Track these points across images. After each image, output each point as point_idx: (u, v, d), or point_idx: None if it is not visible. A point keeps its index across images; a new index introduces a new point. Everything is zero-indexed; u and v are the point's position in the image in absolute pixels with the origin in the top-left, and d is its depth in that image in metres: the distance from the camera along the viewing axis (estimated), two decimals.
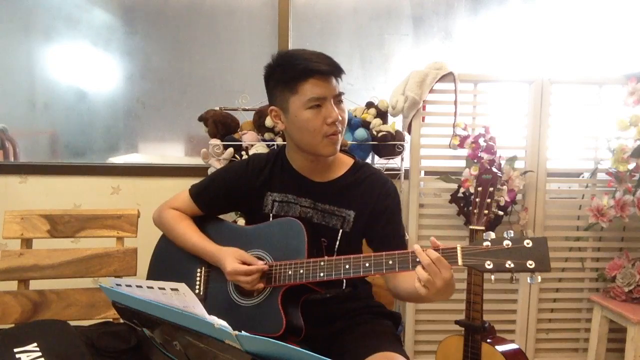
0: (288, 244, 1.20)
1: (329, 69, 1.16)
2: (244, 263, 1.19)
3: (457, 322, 1.66)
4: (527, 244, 0.97)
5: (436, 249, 1.01)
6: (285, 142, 1.34)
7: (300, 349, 0.72)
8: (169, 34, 2.32)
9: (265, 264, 1.20)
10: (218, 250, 1.25)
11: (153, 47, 2.33)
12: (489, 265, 0.98)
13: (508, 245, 0.98)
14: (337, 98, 1.20)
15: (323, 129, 1.18)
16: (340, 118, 1.19)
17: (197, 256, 1.30)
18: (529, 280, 0.98)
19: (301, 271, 1.14)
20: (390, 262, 1.07)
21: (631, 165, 1.95)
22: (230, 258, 1.20)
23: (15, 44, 2.29)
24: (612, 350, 2.14)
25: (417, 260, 1.01)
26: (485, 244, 0.99)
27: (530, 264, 0.96)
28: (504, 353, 1.55)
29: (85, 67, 2.31)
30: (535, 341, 2.18)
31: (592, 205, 2.01)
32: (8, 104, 2.32)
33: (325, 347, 1.22)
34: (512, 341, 1.67)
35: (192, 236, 1.31)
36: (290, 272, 1.15)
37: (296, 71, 1.16)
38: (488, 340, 1.60)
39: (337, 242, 1.26)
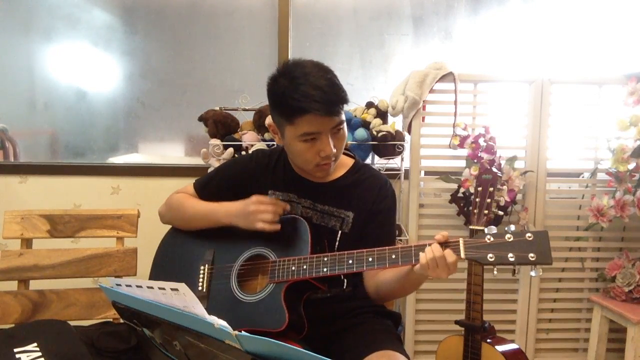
0: (291, 241, 1.20)
1: (326, 111, 1.11)
2: None
3: (457, 322, 1.66)
4: (529, 237, 0.98)
5: (440, 243, 1.03)
6: None
7: (301, 349, 0.72)
8: (169, 34, 2.32)
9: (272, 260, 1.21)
10: (231, 204, 1.26)
11: (153, 47, 2.33)
12: (491, 257, 1.00)
13: (510, 238, 1.00)
14: (336, 128, 1.17)
15: (315, 160, 1.18)
16: (334, 151, 1.17)
17: (212, 224, 1.29)
18: (531, 273, 1.00)
19: (304, 267, 1.15)
20: (394, 256, 1.08)
21: (631, 165, 1.95)
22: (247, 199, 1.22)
23: (15, 44, 2.29)
24: (612, 350, 2.14)
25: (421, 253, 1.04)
26: (487, 237, 1.01)
27: (532, 256, 0.97)
28: (504, 353, 1.55)
29: (85, 67, 2.31)
30: (535, 341, 2.18)
31: (592, 205, 2.01)
32: (8, 104, 2.32)
33: (325, 346, 1.22)
34: (512, 341, 1.67)
35: (202, 204, 1.33)
36: (293, 268, 1.15)
37: (293, 107, 1.11)
38: (488, 340, 1.60)
39: (337, 243, 1.26)
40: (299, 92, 1.10)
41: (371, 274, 1.26)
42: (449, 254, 1.01)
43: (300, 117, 1.12)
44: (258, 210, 1.18)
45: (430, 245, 1.03)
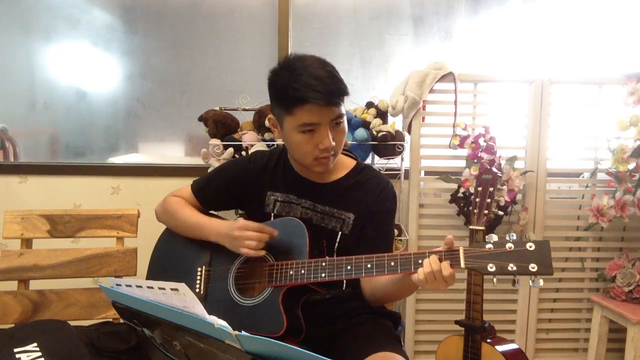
0: (289, 243, 1.20)
1: (326, 100, 1.11)
2: None
3: (457, 322, 1.66)
4: (530, 247, 0.97)
5: (438, 252, 1.02)
6: None
7: (301, 349, 0.72)
8: (169, 34, 2.32)
9: (267, 263, 1.20)
10: (221, 223, 1.25)
11: (153, 47, 2.32)
12: (491, 267, 0.98)
13: (510, 248, 0.98)
14: (335, 121, 1.16)
15: (314, 153, 1.18)
16: (332, 144, 1.16)
17: (200, 237, 1.29)
18: (531, 284, 0.98)
19: (302, 271, 1.14)
20: (392, 264, 1.06)
21: (631, 165, 1.95)
22: (236, 221, 1.21)
23: (15, 44, 2.28)
24: (612, 350, 2.14)
25: (420, 262, 1.02)
26: (487, 246, 1.00)
27: (533, 267, 0.96)
28: (504, 353, 1.55)
29: (85, 67, 2.31)
30: (535, 341, 2.18)
31: (592, 205, 2.01)
32: (8, 104, 2.32)
33: (325, 347, 1.22)
34: (512, 341, 1.67)
35: (195, 215, 1.32)
36: (291, 272, 1.15)
37: (292, 96, 1.12)
38: (488, 340, 1.60)
39: (336, 244, 1.26)
40: (299, 82, 1.11)
41: (368, 278, 1.25)
42: (445, 267, 0.99)
43: (300, 107, 1.12)
44: (242, 237, 1.17)
45: (428, 257, 1.02)
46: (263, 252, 1.18)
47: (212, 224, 1.27)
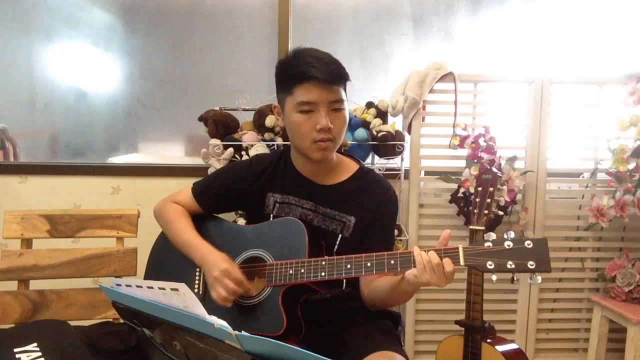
0: (288, 243, 1.20)
1: (324, 77, 1.13)
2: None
3: (457, 322, 1.66)
4: (528, 244, 0.98)
5: (438, 250, 1.02)
6: (287, 142, 1.34)
7: (300, 349, 0.72)
8: (169, 34, 2.32)
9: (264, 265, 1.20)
10: (211, 251, 1.22)
11: (153, 47, 2.33)
12: (490, 265, 0.99)
13: (509, 245, 0.99)
14: (333, 105, 1.17)
15: (312, 135, 1.18)
16: (330, 126, 1.16)
17: (187, 255, 1.28)
18: (529, 281, 1.00)
19: (302, 270, 1.14)
20: (392, 262, 1.07)
21: (631, 165, 1.95)
22: (224, 260, 1.17)
23: (15, 44, 2.29)
24: (612, 350, 2.14)
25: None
26: (486, 244, 1.01)
27: (531, 264, 0.97)
28: (504, 353, 1.55)
29: (85, 67, 2.31)
30: (535, 341, 2.18)
31: (592, 205, 2.01)
32: (8, 104, 2.32)
33: (324, 346, 1.22)
34: (512, 341, 1.67)
35: (188, 232, 1.30)
36: (291, 272, 1.15)
37: (292, 74, 1.16)
38: (488, 340, 1.60)
39: (336, 247, 1.26)
40: (299, 61, 1.16)
41: (367, 280, 1.25)
42: (448, 263, 1.00)
43: (299, 85, 1.15)
44: (220, 282, 1.14)
45: (427, 252, 1.02)
46: (229, 304, 1.15)
47: (200, 247, 1.25)
